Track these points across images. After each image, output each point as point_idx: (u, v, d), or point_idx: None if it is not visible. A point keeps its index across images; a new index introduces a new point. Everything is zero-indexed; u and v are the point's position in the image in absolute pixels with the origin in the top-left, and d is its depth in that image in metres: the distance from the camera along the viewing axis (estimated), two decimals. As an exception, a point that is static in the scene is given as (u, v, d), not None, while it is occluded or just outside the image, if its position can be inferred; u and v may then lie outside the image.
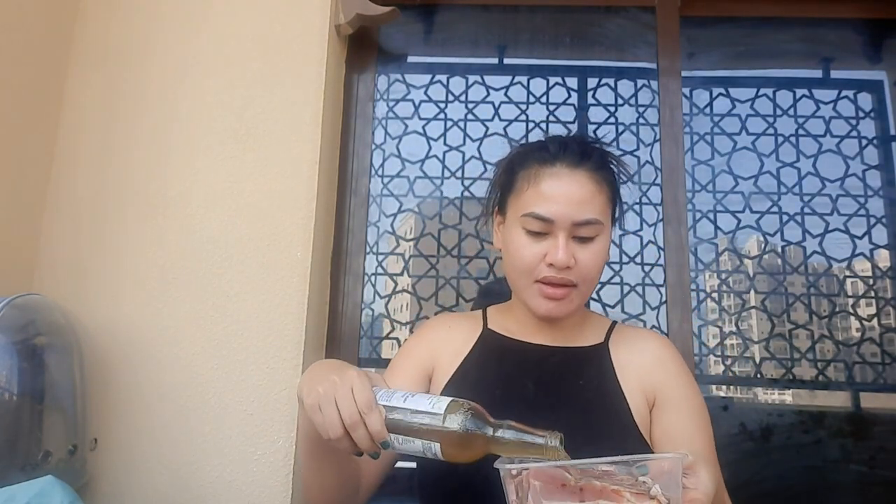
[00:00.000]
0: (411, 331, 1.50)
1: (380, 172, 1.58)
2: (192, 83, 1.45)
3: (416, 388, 0.89)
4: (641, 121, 1.56)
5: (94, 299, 1.36)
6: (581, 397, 0.83)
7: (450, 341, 0.93)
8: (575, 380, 0.85)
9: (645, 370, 0.86)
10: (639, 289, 1.48)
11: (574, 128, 1.57)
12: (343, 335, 1.49)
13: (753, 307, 1.47)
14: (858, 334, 1.45)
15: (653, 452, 0.79)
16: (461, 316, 1.00)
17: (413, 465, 0.87)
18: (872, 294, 1.46)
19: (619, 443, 0.78)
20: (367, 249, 1.54)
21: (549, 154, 0.84)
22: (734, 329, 1.46)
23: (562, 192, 0.81)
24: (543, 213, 0.81)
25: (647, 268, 1.48)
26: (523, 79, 1.61)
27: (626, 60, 1.60)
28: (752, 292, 1.48)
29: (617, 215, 0.89)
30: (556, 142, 0.86)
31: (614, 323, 0.94)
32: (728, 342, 1.46)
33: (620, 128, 1.56)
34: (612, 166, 0.87)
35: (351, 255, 1.53)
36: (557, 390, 0.84)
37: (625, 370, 0.86)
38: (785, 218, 1.50)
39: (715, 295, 1.48)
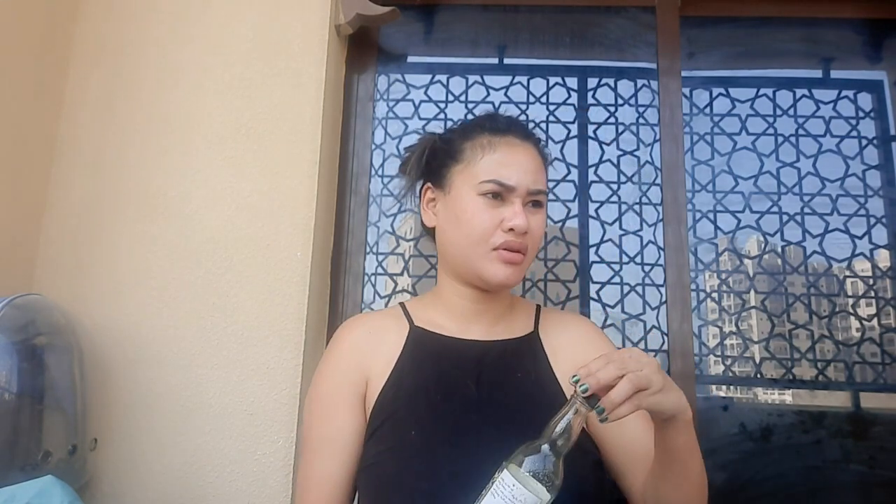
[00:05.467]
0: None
1: (380, 172, 1.58)
2: (191, 83, 1.45)
3: (358, 417, 0.84)
4: (641, 121, 1.56)
5: (94, 299, 1.36)
6: (521, 390, 0.84)
7: (376, 347, 0.88)
8: (514, 373, 0.85)
9: (576, 353, 0.87)
10: (639, 289, 1.47)
11: (574, 128, 1.57)
12: (343, 335, 1.49)
13: (753, 307, 1.47)
14: (858, 334, 1.44)
15: (592, 436, 0.82)
16: (378, 315, 0.95)
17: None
18: (872, 294, 1.45)
19: None
20: (367, 249, 1.54)
21: (501, 125, 0.89)
22: (734, 329, 1.46)
23: (518, 160, 0.85)
24: (504, 180, 0.83)
25: (647, 268, 1.48)
26: (523, 79, 1.61)
27: (626, 60, 1.60)
28: (752, 292, 1.48)
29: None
30: (499, 117, 0.92)
31: (538, 307, 0.96)
32: (728, 342, 1.46)
33: (620, 128, 1.56)
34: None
35: (351, 255, 1.53)
36: (497, 386, 0.83)
37: (557, 356, 0.88)
38: (785, 218, 1.50)
39: (715, 295, 1.48)
